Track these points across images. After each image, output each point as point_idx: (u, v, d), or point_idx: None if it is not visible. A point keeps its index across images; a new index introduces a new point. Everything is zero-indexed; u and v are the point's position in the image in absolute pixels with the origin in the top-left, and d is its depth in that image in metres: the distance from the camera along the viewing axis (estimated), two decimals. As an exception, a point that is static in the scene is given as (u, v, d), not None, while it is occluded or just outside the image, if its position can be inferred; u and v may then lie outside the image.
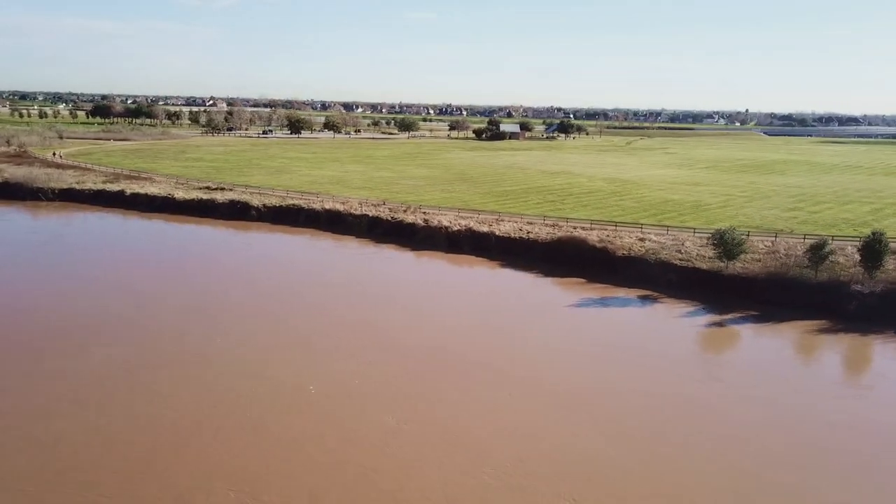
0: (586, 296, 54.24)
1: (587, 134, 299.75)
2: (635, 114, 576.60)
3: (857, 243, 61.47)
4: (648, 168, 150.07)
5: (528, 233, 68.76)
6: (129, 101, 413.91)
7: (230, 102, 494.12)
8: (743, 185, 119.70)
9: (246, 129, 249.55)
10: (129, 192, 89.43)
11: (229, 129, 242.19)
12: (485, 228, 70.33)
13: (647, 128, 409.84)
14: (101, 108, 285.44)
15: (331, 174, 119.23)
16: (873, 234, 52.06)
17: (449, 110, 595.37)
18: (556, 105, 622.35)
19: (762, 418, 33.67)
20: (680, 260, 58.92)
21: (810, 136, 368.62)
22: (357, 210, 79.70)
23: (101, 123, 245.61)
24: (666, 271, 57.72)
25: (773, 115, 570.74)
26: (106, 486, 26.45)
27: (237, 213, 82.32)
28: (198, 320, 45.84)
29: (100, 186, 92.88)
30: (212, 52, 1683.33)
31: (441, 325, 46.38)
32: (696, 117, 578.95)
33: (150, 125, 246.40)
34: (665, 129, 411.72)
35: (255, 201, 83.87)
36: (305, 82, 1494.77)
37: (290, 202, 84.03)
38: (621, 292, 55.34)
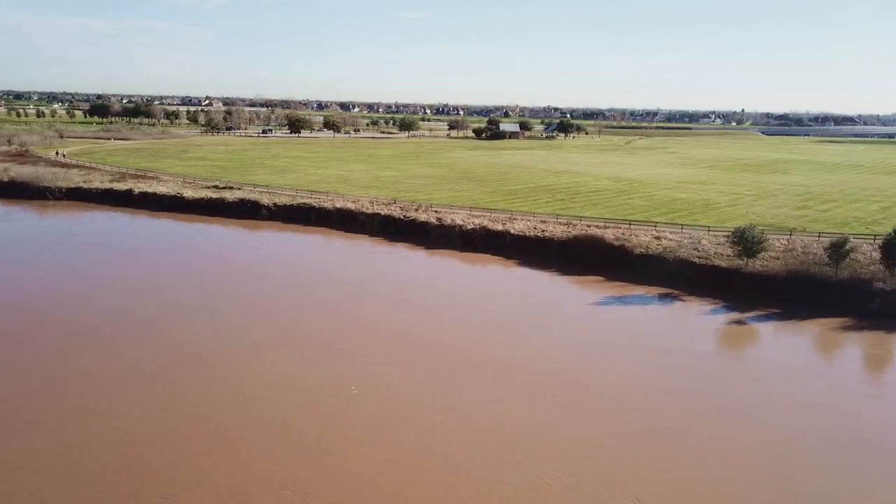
0: (607, 294, 54.13)
1: (586, 133, 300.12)
2: (632, 113, 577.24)
3: (872, 241, 61.87)
4: (651, 167, 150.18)
5: (543, 231, 68.60)
6: (123, 101, 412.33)
7: (228, 102, 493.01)
8: (748, 183, 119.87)
9: (245, 129, 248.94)
10: (137, 191, 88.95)
11: (228, 129, 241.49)
12: (499, 227, 70.17)
13: (645, 127, 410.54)
14: (99, 108, 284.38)
15: (336, 173, 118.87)
16: (895, 231, 52.00)
17: (446, 110, 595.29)
18: (552, 105, 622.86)
19: (797, 417, 33.61)
20: (698, 258, 58.85)
21: (807, 135, 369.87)
22: (368, 209, 79.41)
23: (100, 123, 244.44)
24: (685, 269, 57.64)
25: (769, 115, 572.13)
26: (155, 489, 26.14)
27: (247, 211, 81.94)
28: (221, 320, 45.49)
29: (107, 185, 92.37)
30: (206, 51, 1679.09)
31: (469, 324, 46.00)
32: (693, 117, 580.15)
33: (149, 125, 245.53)
34: (663, 128, 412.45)
35: (265, 200, 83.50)
36: (301, 82, 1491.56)
37: (301, 201, 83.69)
38: (641, 290, 55.24)
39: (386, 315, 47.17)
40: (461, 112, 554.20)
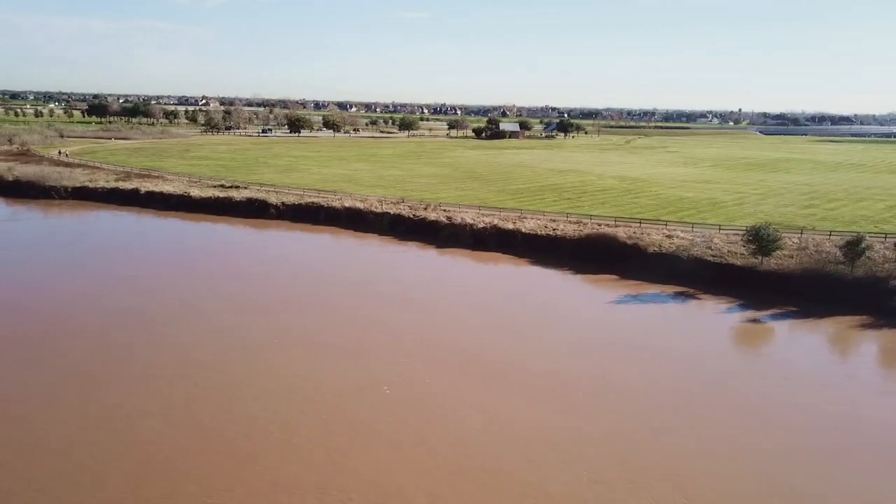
0: (623, 292, 54.01)
1: (586, 133, 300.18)
2: (629, 113, 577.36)
3: (883, 239, 61.93)
4: (654, 166, 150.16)
5: (554, 230, 68.47)
6: (120, 101, 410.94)
7: (225, 102, 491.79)
8: (752, 182, 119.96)
9: (245, 129, 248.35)
10: (143, 190, 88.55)
11: (228, 128, 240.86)
12: (510, 226, 70.00)
13: (644, 127, 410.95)
14: (97, 108, 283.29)
15: (340, 172, 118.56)
16: (911, 229, 51.97)
17: (443, 109, 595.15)
18: (550, 105, 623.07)
19: (827, 417, 33.54)
20: (712, 256, 58.80)
21: (805, 134, 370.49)
22: (377, 208, 79.16)
23: (99, 122, 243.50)
24: (699, 267, 57.58)
25: (766, 115, 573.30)
26: (217, 485, 25.97)
27: (255, 211, 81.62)
28: (244, 321, 45.17)
29: (113, 185, 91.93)
30: (203, 51, 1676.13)
31: (491, 325, 45.59)
32: (690, 116, 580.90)
33: (148, 124, 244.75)
34: (661, 128, 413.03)
35: (273, 199, 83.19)
36: (298, 82, 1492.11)
37: (309, 200, 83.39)
38: (656, 288, 55.15)
39: (408, 316, 46.83)
40: (458, 112, 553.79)
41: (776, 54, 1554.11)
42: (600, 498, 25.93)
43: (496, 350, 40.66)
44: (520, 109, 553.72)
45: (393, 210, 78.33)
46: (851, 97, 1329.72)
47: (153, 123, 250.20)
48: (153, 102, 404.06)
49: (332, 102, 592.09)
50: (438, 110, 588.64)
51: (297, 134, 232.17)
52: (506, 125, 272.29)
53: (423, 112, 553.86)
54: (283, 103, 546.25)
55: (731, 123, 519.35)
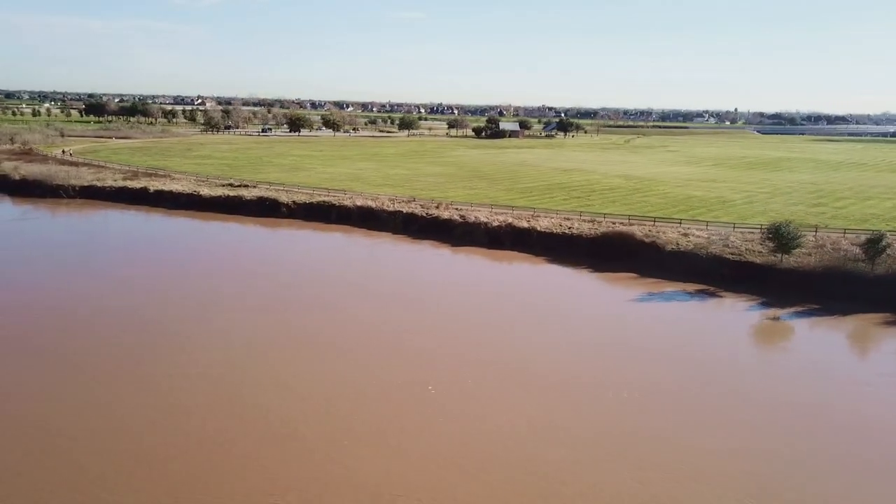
0: (645, 290, 53.98)
1: (585, 132, 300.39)
2: (626, 112, 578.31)
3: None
4: (657, 165, 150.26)
5: (570, 228, 68.40)
6: (115, 100, 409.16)
7: (224, 101, 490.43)
8: (757, 181, 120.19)
9: (244, 128, 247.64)
10: (152, 189, 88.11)
11: (227, 128, 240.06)
12: (524, 224, 69.88)
13: (642, 126, 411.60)
14: (95, 107, 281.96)
15: (346, 171, 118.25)
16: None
17: (440, 109, 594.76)
18: (547, 104, 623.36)
19: (866, 418, 33.54)
20: (731, 254, 58.82)
21: (803, 134, 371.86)
22: (389, 207, 78.97)
23: (98, 122, 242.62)
24: (718, 265, 57.57)
25: (762, 114, 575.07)
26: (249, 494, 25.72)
27: (266, 209, 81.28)
28: (275, 320, 44.95)
29: (121, 184, 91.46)
30: (199, 51, 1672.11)
31: (522, 325, 45.25)
32: (687, 116, 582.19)
33: (147, 123, 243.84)
34: (659, 127, 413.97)
35: (284, 198, 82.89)
36: (293, 82, 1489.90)
37: (319, 199, 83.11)
38: (677, 286, 55.12)
39: (437, 317, 46.43)
40: (455, 111, 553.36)
41: (771, 54, 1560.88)
42: (656, 499, 25.77)
43: (532, 352, 40.22)
44: (517, 109, 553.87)
45: (405, 209, 78.13)
46: (845, 97, 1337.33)
47: (152, 123, 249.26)
48: (149, 102, 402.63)
49: (330, 102, 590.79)
50: (435, 110, 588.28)
51: (297, 133, 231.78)
52: (506, 124, 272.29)
53: (419, 111, 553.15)
54: (280, 103, 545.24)
55: (728, 123, 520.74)
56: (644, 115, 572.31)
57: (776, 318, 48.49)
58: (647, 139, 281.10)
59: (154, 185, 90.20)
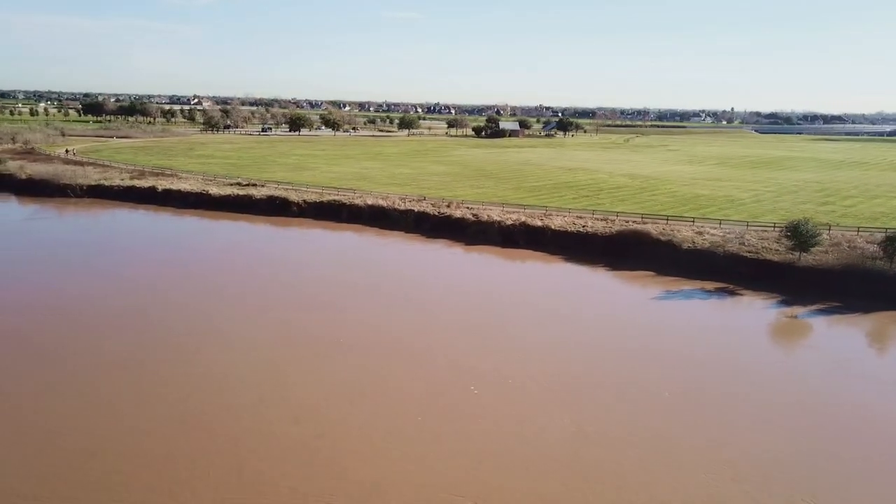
0: (665, 289, 53.93)
1: (585, 132, 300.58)
2: (623, 112, 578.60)
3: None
4: (660, 164, 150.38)
5: (584, 226, 68.34)
6: (111, 99, 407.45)
7: (220, 101, 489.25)
8: (762, 180, 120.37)
9: (243, 127, 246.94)
10: (160, 188, 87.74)
11: (226, 127, 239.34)
12: (538, 223, 69.77)
13: (640, 126, 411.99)
14: (93, 106, 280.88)
15: (351, 171, 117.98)
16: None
17: (437, 109, 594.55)
18: (544, 104, 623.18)
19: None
20: (748, 252, 58.82)
21: (800, 133, 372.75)
22: (400, 205, 78.82)
23: (98, 121, 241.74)
24: (736, 264, 57.60)
25: (758, 114, 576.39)
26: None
27: (277, 209, 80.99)
28: (305, 321, 44.73)
29: (128, 183, 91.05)
30: (194, 50, 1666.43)
31: (551, 323, 45.14)
32: (684, 116, 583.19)
33: (147, 123, 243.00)
34: (657, 126, 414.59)
35: (294, 197, 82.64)
36: (289, 81, 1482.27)
37: (330, 198, 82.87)
38: (695, 284, 55.09)
39: (467, 317, 46.04)
40: (453, 111, 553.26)
41: (766, 54, 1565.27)
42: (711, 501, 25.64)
43: (566, 353, 39.87)
44: (514, 109, 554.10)
45: (416, 207, 77.98)
46: (839, 96, 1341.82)
47: (151, 122, 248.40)
48: (146, 101, 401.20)
49: (326, 102, 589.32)
50: (433, 109, 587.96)
51: (297, 133, 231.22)
52: (506, 124, 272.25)
53: (416, 111, 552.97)
54: (276, 102, 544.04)
55: (725, 122, 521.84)
56: (641, 114, 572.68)
57: (798, 317, 48.51)
58: (646, 138, 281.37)
59: (162, 184, 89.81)
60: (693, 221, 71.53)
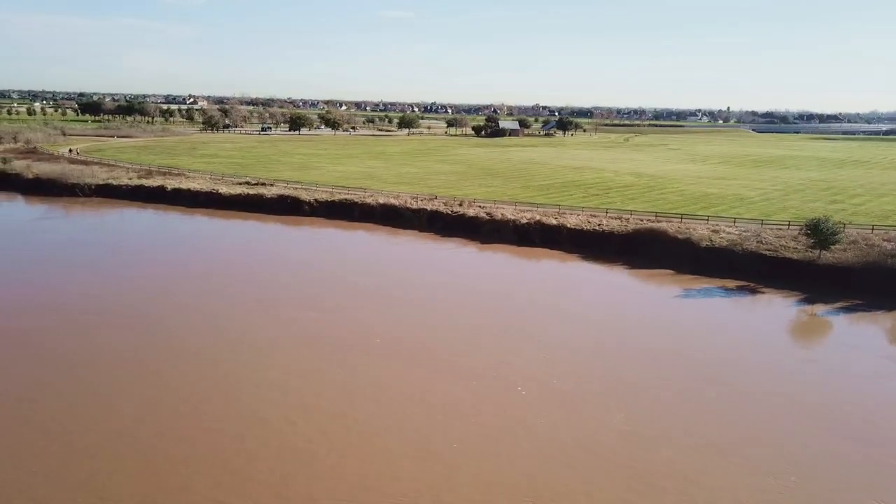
0: (686, 287, 53.84)
1: (584, 131, 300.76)
2: (619, 111, 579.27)
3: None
4: (663, 163, 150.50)
5: (599, 225, 68.22)
6: (106, 99, 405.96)
7: (216, 100, 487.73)
8: (768, 179, 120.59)
9: (242, 127, 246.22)
10: (169, 187, 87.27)
11: (226, 127, 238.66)
12: (553, 221, 69.59)
13: (638, 125, 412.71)
14: (91, 105, 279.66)
15: (357, 170, 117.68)
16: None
17: (434, 108, 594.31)
18: (540, 103, 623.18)
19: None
20: (767, 250, 58.78)
21: (798, 132, 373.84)
22: (412, 204, 78.57)
23: (97, 121, 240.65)
24: (755, 262, 57.54)
25: (754, 113, 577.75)
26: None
27: (288, 208, 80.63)
28: (356, 321, 44.45)
29: (137, 182, 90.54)
30: (189, 50, 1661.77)
31: (584, 321, 45.08)
32: (680, 115, 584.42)
33: (146, 122, 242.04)
34: (655, 125, 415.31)
35: (305, 196, 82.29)
36: (285, 81, 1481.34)
37: (341, 197, 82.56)
38: (716, 283, 55.01)
39: (501, 315, 45.82)
40: (449, 110, 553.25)
41: (759, 54, 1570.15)
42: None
43: (606, 353, 39.56)
44: (511, 108, 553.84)
45: (429, 206, 77.74)
46: (833, 96, 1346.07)
47: (150, 122, 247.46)
48: (143, 101, 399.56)
49: (323, 101, 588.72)
50: (429, 109, 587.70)
51: (297, 132, 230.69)
52: (505, 123, 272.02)
53: (414, 110, 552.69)
54: (272, 102, 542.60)
55: (721, 122, 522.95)
56: (638, 113, 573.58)
57: (821, 314, 48.57)
58: (645, 137, 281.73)
59: (171, 183, 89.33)
60: (707, 220, 71.53)
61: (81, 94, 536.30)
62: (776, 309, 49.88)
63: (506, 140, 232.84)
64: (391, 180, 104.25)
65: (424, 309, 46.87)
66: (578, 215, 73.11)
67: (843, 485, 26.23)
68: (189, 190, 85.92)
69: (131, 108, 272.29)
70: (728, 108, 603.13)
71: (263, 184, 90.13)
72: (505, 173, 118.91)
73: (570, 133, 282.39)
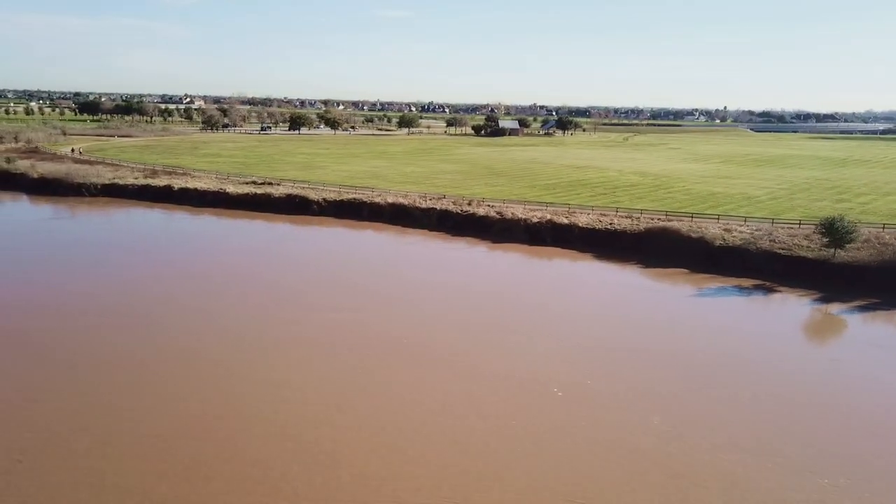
0: (704, 286, 53.83)
1: (583, 130, 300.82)
2: (616, 111, 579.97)
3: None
4: (665, 162, 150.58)
5: (610, 224, 68.17)
6: (102, 98, 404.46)
7: (212, 100, 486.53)
8: (772, 178, 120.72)
9: (241, 126, 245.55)
10: (176, 186, 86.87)
11: (225, 126, 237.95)
12: (564, 220, 69.51)
13: (637, 124, 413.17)
14: (89, 105, 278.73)
15: (361, 169, 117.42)
16: None
17: (431, 107, 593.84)
18: (537, 103, 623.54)
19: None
20: (781, 249, 58.79)
21: (795, 131, 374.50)
22: (422, 204, 78.39)
23: (96, 120, 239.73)
24: (770, 260, 57.55)
25: (750, 112, 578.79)
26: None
27: (296, 207, 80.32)
28: (365, 322, 44.30)
29: (143, 182, 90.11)
30: (184, 49, 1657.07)
31: (610, 321, 44.89)
32: (677, 114, 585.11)
33: (145, 122, 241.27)
34: (653, 125, 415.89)
35: (313, 195, 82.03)
36: (281, 81, 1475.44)
37: (349, 196, 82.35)
38: (731, 281, 54.97)
39: (525, 316, 45.63)
40: (447, 110, 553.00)
41: (754, 54, 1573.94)
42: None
43: (633, 353, 39.18)
44: (508, 108, 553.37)
45: (438, 206, 77.58)
46: (828, 95, 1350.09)
47: (149, 121, 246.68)
48: (142, 100, 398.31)
49: (319, 101, 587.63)
50: (427, 108, 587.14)
51: (296, 131, 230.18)
52: (505, 122, 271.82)
53: (411, 110, 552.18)
54: (269, 101, 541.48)
55: (718, 121, 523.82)
56: (635, 113, 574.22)
57: (840, 313, 48.51)
58: (644, 137, 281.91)
59: (177, 182, 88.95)
60: (718, 219, 71.55)
61: (77, 94, 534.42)
62: (795, 308, 49.86)
63: (506, 139, 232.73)
64: (397, 180, 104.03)
65: (445, 310, 46.38)
66: (589, 214, 73.07)
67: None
68: (196, 189, 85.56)
69: (130, 107, 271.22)
70: (725, 107, 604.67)
71: (270, 183, 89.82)
72: (509, 172, 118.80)
73: (569, 132, 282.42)
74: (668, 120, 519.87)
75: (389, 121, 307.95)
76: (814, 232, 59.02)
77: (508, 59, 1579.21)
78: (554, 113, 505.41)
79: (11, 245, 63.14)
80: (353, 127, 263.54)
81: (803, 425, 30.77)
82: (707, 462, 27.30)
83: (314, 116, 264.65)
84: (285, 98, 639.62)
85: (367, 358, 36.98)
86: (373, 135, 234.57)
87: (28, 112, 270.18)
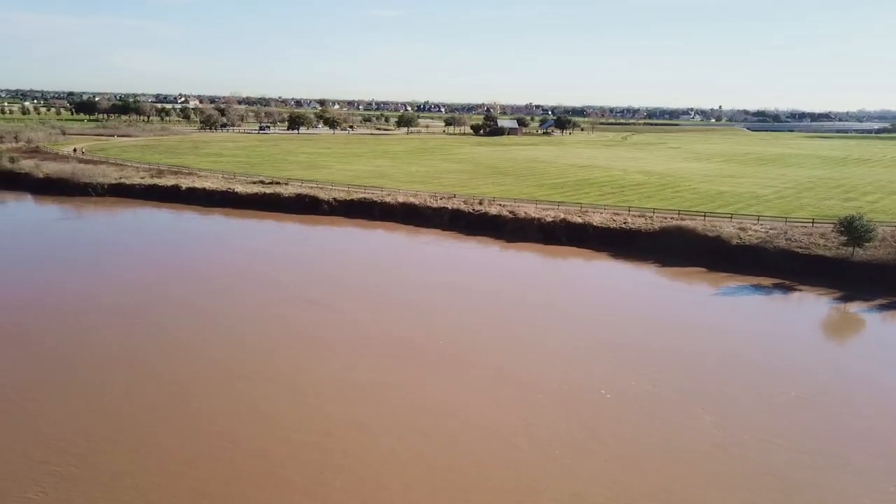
0: (723, 285, 53.72)
1: (581, 129, 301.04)
2: (611, 110, 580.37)
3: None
4: (668, 162, 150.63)
5: (624, 223, 68.04)
6: (96, 98, 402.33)
7: (207, 99, 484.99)
8: (776, 177, 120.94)
9: (240, 126, 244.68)
10: (184, 186, 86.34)
11: (223, 126, 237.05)
12: (578, 219, 69.33)
13: (633, 124, 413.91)
14: (86, 105, 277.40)
15: (365, 169, 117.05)
16: None
17: (427, 107, 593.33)
18: (533, 102, 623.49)
19: None
20: (798, 248, 58.76)
21: (792, 131, 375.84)
22: (433, 203, 78.11)
23: (94, 120, 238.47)
24: (787, 259, 57.50)
25: (745, 112, 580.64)
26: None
27: (306, 207, 79.88)
28: (393, 324, 43.99)
29: (149, 181, 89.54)
30: (177, 49, 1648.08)
31: (638, 322, 44.48)
32: (673, 114, 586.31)
33: (143, 121, 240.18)
34: (650, 124, 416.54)
35: (323, 195, 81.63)
36: (276, 80, 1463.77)
37: (359, 196, 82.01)
38: (750, 280, 54.86)
39: (558, 316, 45.35)
40: (443, 109, 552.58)
41: (747, 53, 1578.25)
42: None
43: (672, 353, 38.87)
44: (504, 107, 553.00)
45: (449, 205, 77.33)
46: (821, 95, 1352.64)
47: (147, 120, 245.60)
48: (137, 100, 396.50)
49: (315, 100, 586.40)
50: (423, 108, 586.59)
51: (295, 131, 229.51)
52: (504, 122, 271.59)
53: (406, 110, 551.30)
54: (265, 101, 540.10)
55: (714, 120, 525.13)
56: (631, 112, 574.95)
57: (862, 311, 48.53)
58: (642, 136, 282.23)
59: (184, 182, 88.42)
60: (731, 217, 71.50)
61: (71, 94, 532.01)
62: (818, 307, 49.76)
63: (505, 139, 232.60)
64: (402, 179, 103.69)
65: (475, 312, 45.75)
66: (601, 213, 72.93)
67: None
68: (204, 189, 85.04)
69: (127, 107, 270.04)
70: (720, 106, 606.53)
71: (278, 183, 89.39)
72: (514, 172, 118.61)
73: (567, 132, 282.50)
74: (663, 119, 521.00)
75: (387, 120, 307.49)
76: (832, 231, 58.98)
77: (503, 59, 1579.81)
78: (550, 112, 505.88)
79: (29, 244, 62.56)
80: (351, 126, 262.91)
81: (858, 426, 30.39)
82: (769, 464, 27.02)
83: (312, 116, 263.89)
84: (281, 98, 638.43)
85: (384, 358, 36.74)
86: (371, 134, 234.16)
87: (24, 112, 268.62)
